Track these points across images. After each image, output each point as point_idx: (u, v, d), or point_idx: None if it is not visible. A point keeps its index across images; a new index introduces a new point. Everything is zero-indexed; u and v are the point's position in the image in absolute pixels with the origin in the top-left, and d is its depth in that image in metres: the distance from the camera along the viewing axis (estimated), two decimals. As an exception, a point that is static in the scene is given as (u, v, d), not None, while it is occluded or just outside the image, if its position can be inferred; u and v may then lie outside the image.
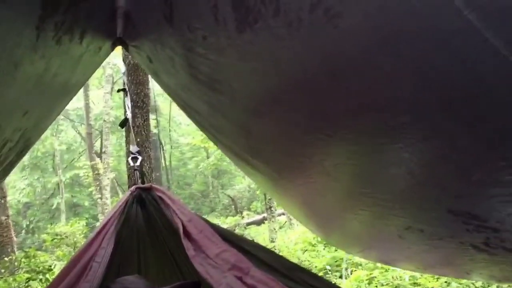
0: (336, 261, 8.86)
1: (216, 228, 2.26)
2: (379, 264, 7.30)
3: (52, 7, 1.60)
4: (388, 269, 7.36)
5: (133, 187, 2.60)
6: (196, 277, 2.12)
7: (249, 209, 19.62)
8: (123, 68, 4.65)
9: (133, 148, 2.95)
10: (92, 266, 2.04)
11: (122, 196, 2.65)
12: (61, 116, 20.84)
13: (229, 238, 2.20)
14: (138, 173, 2.87)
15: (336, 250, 9.06)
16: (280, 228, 14.26)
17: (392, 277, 7.41)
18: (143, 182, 2.77)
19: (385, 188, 1.61)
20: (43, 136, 21.26)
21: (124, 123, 3.36)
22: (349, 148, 1.55)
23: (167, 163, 23.61)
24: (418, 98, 1.16)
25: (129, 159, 2.90)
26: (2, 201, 12.13)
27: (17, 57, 1.54)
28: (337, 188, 1.92)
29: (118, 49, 2.81)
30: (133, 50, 2.58)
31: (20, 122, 1.95)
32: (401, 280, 7.30)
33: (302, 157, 1.90)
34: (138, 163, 2.82)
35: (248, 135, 2.19)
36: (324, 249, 9.97)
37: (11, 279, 9.40)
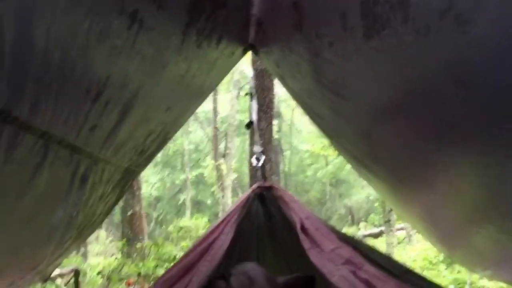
0: (458, 284, 8.27)
1: (331, 228, 2.32)
2: (509, 291, 6.67)
3: (197, 15, 1.79)
4: (522, 295, 6.68)
5: (255, 185, 2.76)
6: (311, 272, 2.20)
7: (366, 221, 19.12)
8: (251, 73, 4.88)
9: (257, 149, 3.10)
10: (213, 249, 2.23)
11: (245, 192, 2.82)
12: (191, 118, 22.26)
13: (344, 237, 2.25)
14: (260, 172, 3.02)
15: (459, 272, 8.46)
16: (399, 243, 13.68)
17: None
18: (264, 181, 2.91)
19: (513, 202, 1.53)
20: (174, 136, 22.90)
21: (249, 125, 3.55)
22: (475, 158, 1.50)
23: (286, 168, 23.99)
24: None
25: (253, 158, 3.06)
26: (137, 193, 13.33)
27: (165, 59, 1.76)
28: (461, 199, 1.85)
29: (247, 56, 2.98)
30: (262, 56, 2.73)
31: (163, 116, 2.20)
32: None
33: (424, 165, 1.87)
34: (260, 163, 2.97)
35: (370, 141, 2.20)
36: (446, 269, 9.36)
37: (141, 264, 10.32)
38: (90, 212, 2.11)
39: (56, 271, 7.86)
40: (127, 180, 2.47)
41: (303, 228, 2.25)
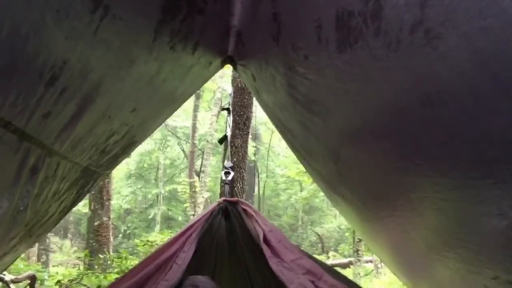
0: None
1: (293, 243, 2.31)
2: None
3: (171, 14, 1.74)
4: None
5: (221, 199, 2.70)
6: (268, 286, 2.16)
7: (336, 250, 19.10)
8: (230, 89, 4.87)
9: (227, 163, 3.07)
10: (172, 267, 2.14)
11: (210, 205, 2.75)
12: (169, 133, 22.12)
13: (305, 253, 2.24)
14: (228, 187, 2.97)
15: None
16: (366, 275, 13.66)
17: None
18: (232, 196, 2.85)
19: (472, 229, 1.50)
20: (151, 149, 22.76)
21: (223, 140, 3.53)
22: (437, 180, 1.47)
23: (261, 191, 23.90)
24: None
25: (222, 173, 3.02)
26: (107, 203, 13.04)
27: (133, 55, 1.69)
28: (421, 224, 1.82)
29: (228, 76, 2.97)
30: (240, 68, 2.70)
31: (128, 117, 2.12)
32: None
33: (388, 187, 1.84)
34: (229, 177, 2.93)
35: (337, 160, 2.17)
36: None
37: (102, 276, 10.01)
38: (42, 209, 2.01)
39: (11, 276, 7.56)
40: (87, 181, 2.37)
41: (266, 240, 2.24)
